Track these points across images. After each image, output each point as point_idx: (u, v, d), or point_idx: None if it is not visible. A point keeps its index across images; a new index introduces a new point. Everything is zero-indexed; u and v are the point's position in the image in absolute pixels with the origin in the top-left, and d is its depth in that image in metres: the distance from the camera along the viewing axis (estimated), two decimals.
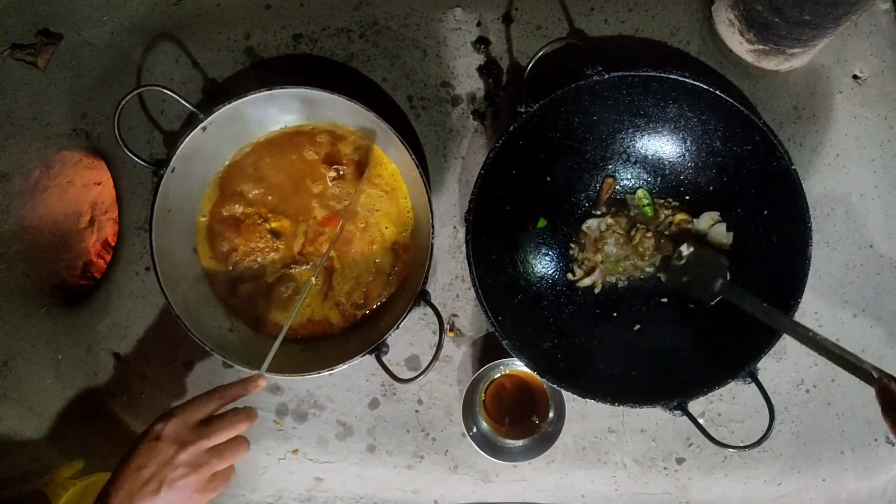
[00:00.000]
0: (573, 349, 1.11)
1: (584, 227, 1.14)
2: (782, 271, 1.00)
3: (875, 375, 0.76)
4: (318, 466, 1.21)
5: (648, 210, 1.12)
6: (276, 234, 1.16)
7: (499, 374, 1.14)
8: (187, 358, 1.20)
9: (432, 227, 1.05)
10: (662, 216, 1.12)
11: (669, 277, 1.11)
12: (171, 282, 1.07)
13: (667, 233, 1.12)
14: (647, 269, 1.14)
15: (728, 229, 1.10)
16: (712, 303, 1.05)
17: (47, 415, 1.23)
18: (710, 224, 1.11)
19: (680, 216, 1.11)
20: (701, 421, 1.10)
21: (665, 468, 1.16)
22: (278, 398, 1.20)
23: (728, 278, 1.03)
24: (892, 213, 1.14)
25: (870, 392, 1.11)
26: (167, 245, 1.09)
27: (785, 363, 1.14)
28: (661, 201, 1.14)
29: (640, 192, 1.14)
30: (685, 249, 1.09)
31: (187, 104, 1.06)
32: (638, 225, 1.12)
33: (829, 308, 1.14)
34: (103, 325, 1.21)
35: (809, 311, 1.14)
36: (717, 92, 0.99)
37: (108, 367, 1.22)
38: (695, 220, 1.12)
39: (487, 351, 1.17)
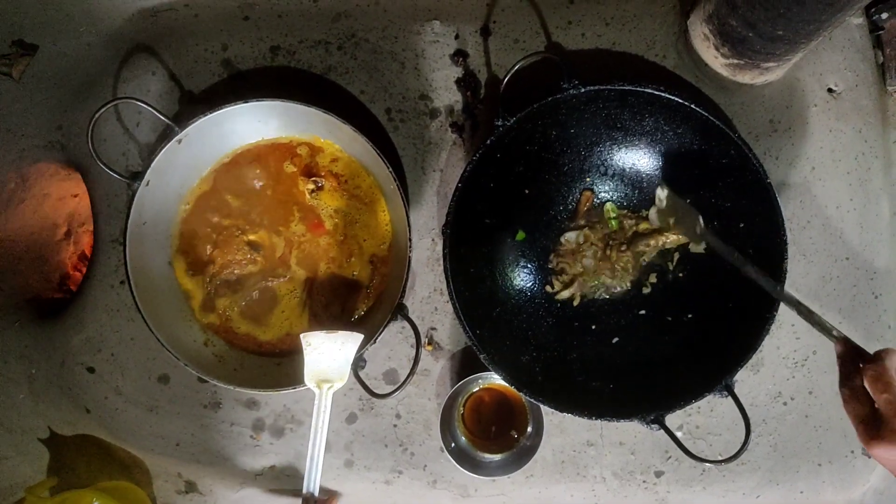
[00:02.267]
0: (551, 362, 1.10)
1: (562, 240, 1.14)
2: (759, 284, 1.00)
3: (836, 335, 0.78)
4: (296, 482, 1.19)
5: (614, 223, 1.13)
6: (254, 246, 1.15)
7: (477, 388, 1.14)
8: (162, 372, 1.19)
9: (410, 239, 1.04)
10: (626, 226, 1.13)
11: (660, 220, 1.10)
12: (146, 295, 1.06)
13: (644, 258, 1.12)
14: (622, 286, 1.14)
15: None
16: (700, 246, 1.07)
17: (19, 430, 1.22)
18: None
19: (644, 224, 1.12)
20: (679, 434, 1.11)
21: (644, 481, 1.15)
22: (255, 413, 1.19)
23: (702, 223, 1.03)
24: (867, 225, 1.14)
25: None
26: (142, 258, 1.08)
27: (762, 375, 1.14)
28: (632, 213, 1.14)
29: (608, 206, 1.14)
30: (661, 192, 1.09)
31: (163, 116, 1.05)
32: (611, 241, 1.13)
33: (804, 321, 1.14)
34: (77, 340, 1.20)
35: (786, 322, 1.14)
36: (692, 106, 0.99)
37: (82, 382, 1.20)
38: (650, 213, 1.13)
39: (466, 364, 1.17)
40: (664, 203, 1.09)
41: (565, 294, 1.14)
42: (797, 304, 0.84)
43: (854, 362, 0.73)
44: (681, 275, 1.12)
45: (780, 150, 1.14)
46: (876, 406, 0.69)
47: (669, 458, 1.15)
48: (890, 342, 1.15)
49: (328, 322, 1.13)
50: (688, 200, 1.10)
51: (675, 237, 1.11)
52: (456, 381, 1.15)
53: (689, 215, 1.05)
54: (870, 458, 1.15)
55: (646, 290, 1.14)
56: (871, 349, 1.11)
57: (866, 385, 0.70)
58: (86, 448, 1.22)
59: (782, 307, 0.97)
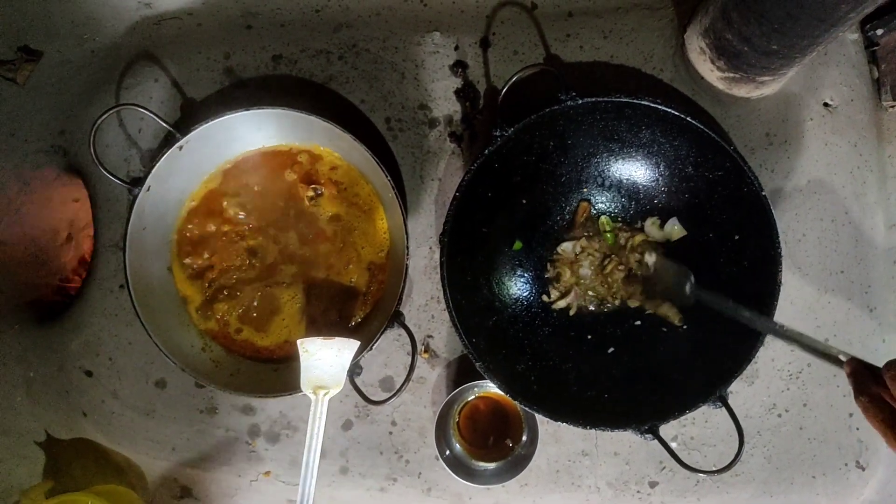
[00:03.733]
0: (547, 372, 1.11)
1: (559, 250, 1.15)
2: (753, 296, 1.01)
3: (843, 359, 0.77)
4: (291, 489, 1.20)
5: (609, 237, 1.14)
6: (252, 252, 1.16)
7: (473, 396, 1.14)
8: (159, 377, 1.20)
9: (407, 248, 1.05)
10: (623, 239, 1.13)
11: (646, 290, 1.12)
12: (145, 300, 1.07)
13: (638, 272, 1.13)
14: (615, 303, 1.15)
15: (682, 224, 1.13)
16: (691, 303, 1.06)
17: (16, 433, 1.22)
18: (656, 224, 1.14)
19: (639, 237, 1.13)
20: (674, 445, 1.11)
21: (638, 492, 1.16)
22: (250, 419, 1.19)
23: (693, 281, 1.05)
24: (862, 239, 1.15)
25: (841, 416, 1.13)
26: (141, 263, 1.09)
27: (757, 387, 1.14)
28: (628, 226, 1.15)
29: (602, 219, 1.15)
30: (649, 259, 1.11)
31: (164, 123, 1.06)
32: (612, 256, 1.14)
33: None
34: (76, 343, 1.21)
35: (797, 330, 1.14)
36: (688, 118, 1.00)
37: (80, 386, 1.21)
38: (645, 224, 1.14)
39: (462, 373, 1.17)
40: (650, 269, 1.12)
41: (562, 304, 1.14)
42: (799, 339, 0.83)
43: (865, 375, 0.74)
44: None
45: (776, 163, 1.15)
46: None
47: (664, 468, 1.15)
48: (884, 356, 1.14)
49: (325, 328, 1.14)
50: (683, 212, 1.11)
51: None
52: (451, 389, 1.15)
53: (677, 272, 1.07)
54: (864, 470, 1.15)
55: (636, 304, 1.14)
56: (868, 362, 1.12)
57: (889, 385, 0.70)
58: (82, 452, 1.23)
59: (776, 318, 0.98)
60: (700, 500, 1.15)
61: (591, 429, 0.98)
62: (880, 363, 1.12)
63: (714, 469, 0.94)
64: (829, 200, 1.15)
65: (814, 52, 0.95)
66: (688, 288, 1.05)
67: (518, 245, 1.15)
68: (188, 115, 1.20)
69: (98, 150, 1.06)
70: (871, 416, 0.70)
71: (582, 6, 1.17)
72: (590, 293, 1.14)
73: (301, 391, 0.97)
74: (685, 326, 1.10)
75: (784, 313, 1.14)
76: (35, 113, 1.23)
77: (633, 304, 1.13)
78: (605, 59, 1.17)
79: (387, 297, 1.13)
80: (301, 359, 0.98)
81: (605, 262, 1.13)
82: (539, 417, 1.10)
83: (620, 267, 1.13)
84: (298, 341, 0.99)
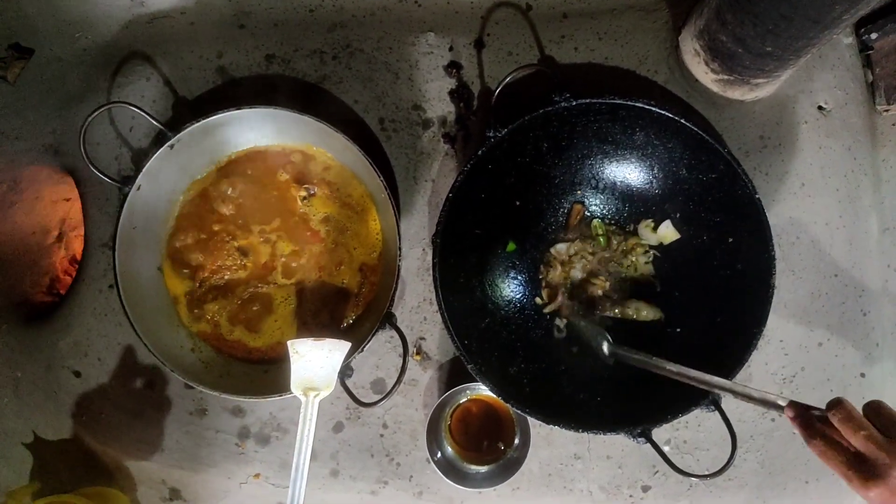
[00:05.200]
0: (539, 374, 1.10)
1: (552, 251, 1.14)
2: (747, 299, 1.01)
3: (782, 404, 0.74)
4: (281, 491, 1.18)
5: (602, 240, 1.13)
6: (243, 252, 1.15)
7: (465, 399, 1.13)
8: (149, 378, 1.19)
9: (400, 249, 1.04)
10: (616, 242, 1.13)
11: (564, 351, 1.13)
12: (134, 300, 1.06)
13: (629, 273, 1.14)
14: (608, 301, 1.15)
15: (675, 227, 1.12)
16: (610, 363, 1.05)
17: (3, 433, 1.21)
18: (650, 227, 1.13)
19: (633, 239, 1.13)
20: (666, 448, 1.10)
21: (631, 496, 1.15)
22: (240, 420, 1.18)
23: (610, 341, 1.05)
24: (856, 242, 1.15)
25: None
26: (131, 263, 1.08)
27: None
28: (620, 229, 1.15)
29: (595, 223, 1.14)
30: (560, 323, 1.13)
31: (156, 122, 1.06)
32: (607, 259, 1.13)
33: (793, 337, 1.14)
34: (64, 343, 1.19)
35: (774, 339, 1.14)
36: (682, 120, 1.00)
37: (68, 386, 1.20)
38: (639, 227, 1.14)
39: (454, 375, 1.16)
40: (563, 333, 1.13)
41: (552, 307, 1.14)
42: (733, 390, 0.81)
43: (810, 418, 0.71)
44: (670, 289, 1.12)
45: (770, 166, 1.15)
46: (854, 450, 0.67)
47: (657, 472, 1.14)
48: (878, 359, 1.15)
49: (316, 330, 1.13)
50: (677, 216, 1.11)
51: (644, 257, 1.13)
52: (443, 391, 1.14)
53: (593, 333, 1.08)
54: None
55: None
56: (859, 366, 1.13)
57: (839, 428, 0.68)
58: (70, 453, 1.21)
59: (770, 322, 0.98)
60: None
61: (583, 432, 0.98)
62: (874, 368, 1.13)
63: (707, 473, 0.93)
64: (823, 204, 1.15)
65: (808, 55, 0.94)
66: (605, 348, 1.05)
67: (511, 246, 1.15)
68: (180, 114, 1.19)
69: (89, 149, 1.06)
70: (829, 459, 0.68)
71: (577, 8, 1.17)
72: (578, 293, 1.14)
73: (291, 393, 0.96)
74: (678, 329, 1.09)
75: (777, 317, 1.13)
76: (26, 111, 1.22)
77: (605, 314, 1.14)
78: (600, 60, 1.16)
79: (379, 299, 1.13)
80: (291, 360, 0.97)
81: (589, 278, 1.13)
82: (531, 420, 1.09)
83: (599, 289, 1.13)
84: (289, 342, 0.98)
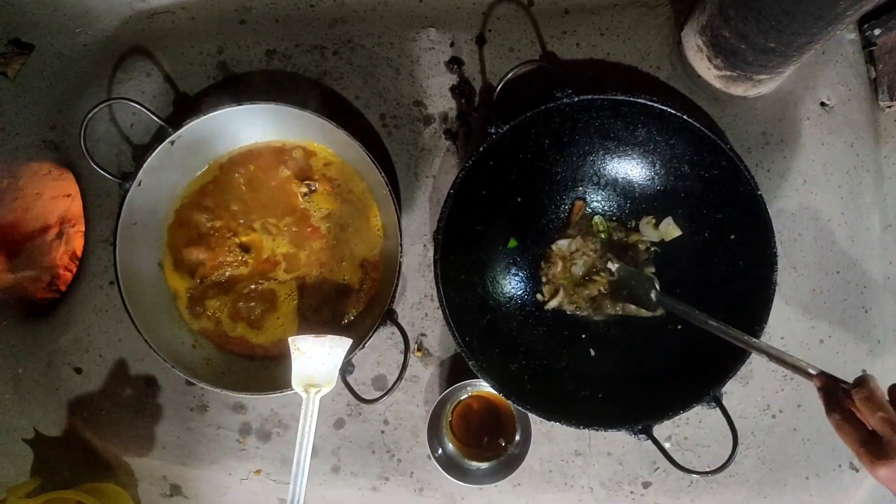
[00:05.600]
0: (540, 371, 1.10)
1: (553, 248, 1.14)
2: (748, 295, 1.01)
3: (813, 372, 0.76)
4: (282, 487, 1.19)
5: (603, 237, 1.13)
6: (245, 248, 1.15)
7: (466, 395, 1.13)
8: (149, 374, 1.19)
9: (401, 245, 1.04)
10: (617, 238, 1.13)
11: (614, 294, 1.11)
12: (135, 296, 1.06)
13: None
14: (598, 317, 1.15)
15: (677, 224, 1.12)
16: (655, 312, 1.06)
17: (4, 429, 1.21)
18: (651, 223, 1.13)
19: (634, 236, 1.12)
20: (667, 445, 1.10)
21: (631, 492, 1.15)
22: (242, 417, 1.18)
23: (658, 288, 1.04)
24: (858, 239, 1.15)
25: None
26: (132, 259, 1.08)
27: (751, 388, 1.14)
28: (622, 226, 1.14)
29: (596, 219, 1.14)
30: (612, 265, 1.10)
31: (157, 118, 1.05)
32: (599, 272, 1.13)
33: (795, 333, 1.14)
34: (65, 340, 1.19)
35: (776, 335, 1.14)
36: (684, 117, 0.99)
37: (69, 383, 1.20)
38: (640, 224, 1.14)
39: (455, 371, 1.16)
40: (615, 276, 1.11)
41: (553, 303, 1.13)
42: (769, 351, 0.82)
43: (836, 391, 0.73)
44: (671, 285, 1.12)
45: (772, 163, 1.14)
46: (870, 428, 0.68)
47: (657, 469, 1.14)
48: (880, 356, 1.15)
49: (318, 326, 1.13)
50: (679, 212, 1.10)
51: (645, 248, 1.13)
52: (444, 387, 1.14)
53: (642, 279, 1.07)
54: (858, 472, 1.14)
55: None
56: (861, 363, 1.12)
57: (859, 406, 0.69)
58: (71, 449, 1.21)
59: (772, 318, 0.98)
60: (693, 500, 1.15)
61: (584, 428, 0.98)
62: (876, 364, 1.13)
63: (708, 470, 0.93)
64: (825, 200, 1.15)
65: (811, 51, 0.94)
66: (653, 295, 1.04)
67: (513, 243, 1.15)
68: (181, 110, 1.19)
69: (89, 145, 1.06)
70: (844, 434, 0.70)
71: (579, 3, 1.17)
72: (578, 291, 1.13)
73: (292, 389, 0.96)
74: (679, 326, 1.09)
75: (779, 313, 1.13)
76: (26, 107, 1.22)
77: (607, 311, 1.14)
78: (602, 56, 1.16)
79: (380, 295, 1.13)
80: (292, 356, 0.97)
81: (590, 276, 1.13)
82: (532, 417, 1.09)
83: (600, 286, 1.13)
84: (290, 339, 0.98)
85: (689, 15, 1.10)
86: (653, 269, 1.13)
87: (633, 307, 1.11)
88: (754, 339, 0.86)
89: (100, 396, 1.19)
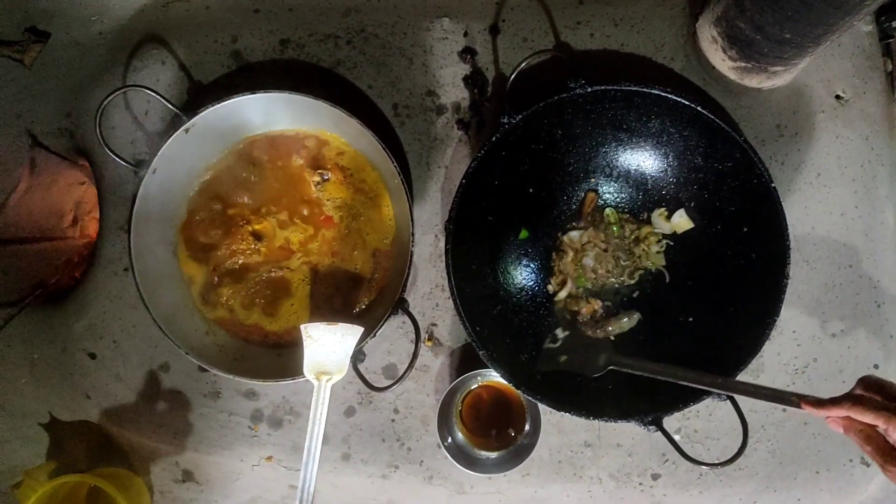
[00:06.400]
0: None
1: (564, 239, 1.14)
2: (760, 288, 1.00)
3: (794, 399, 0.77)
4: (293, 474, 1.20)
5: (615, 229, 1.13)
6: (258, 236, 1.15)
7: (476, 385, 1.14)
8: (163, 360, 1.20)
9: (412, 235, 1.05)
10: (628, 231, 1.13)
11: (543, 362, 1.09)
12: (149, 283, 1.07)
13: (643, 261, 1.13)
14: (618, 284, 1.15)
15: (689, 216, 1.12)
16: (596, 375, 1.03)
17: (20, 414, 1.22)
18: (663, 216, 1.13)
19: (646, 228, 1.12)
20: (677, 437, 1.10)
21: (640, 483, 1.15)
22: (254, 403, 1.19)
23: (612, 353, 1.04)
24: (872, 233, 1.14)
25: None
26: (146, 246, 1.09)
27: (762, 381, 1.14)
28: (634, 218, 1.14)
29: (608, 211, 1.14)
30: (560, 333, 1.11)
31: (171, 105, 1.06)
32: (617, 246, 1.13)
33: (806, 327, 1.14)
34: (80, 326, 1.21)
35: (787, 329, 1.14)
36: (698, 108, 0.99)
37: (84, 368, 1.21)
38: (652, 216, 1.14)
39: (466, 361, 1.17)
40: (558, 342, 1.11)
41: (563, 294, 1.13)
42: (745, 390, 0.84)
43: (825, 403, 0.75)
44: (683, 278, 1.12)
45: (786, 156, 1.14)
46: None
47: (667, 461, 1.15)
48: (892, 351, 1.14)
49: (329, 314, 1.14)
50: (691, 204, 1.10)
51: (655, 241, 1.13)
52: (455, 377, 1.15)
53: (595, 345, 1.08)
54: (868, 467, 1.14)
55: (638, 293, 1.14)
56: (873, 358, 1.12)
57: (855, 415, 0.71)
58: (85, 434, 1.23)
59: (784, 312, 0.97)
60: (702, 493, 1.15)
61: (594, 419, 0.98)
62: (889, 360, 1.12)
63: (717, 462, 0.93)
64: (839, 194, 1.14)
65: (827, 42, 0.93)
66: (602, 359, 1.03)
67: (524, 234, 1.15)
68: (195, 99, 1.20)
69: (104, 133, 1.06)
70: (854, 428, 0.71)
71: None
72: (584, 282, 1.13)
73: (304, 377, 0.97)
74: (691, 319, 1.09)
75: (791, 307, 1.13)
76: (42, 94, 1.23)
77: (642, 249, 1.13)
78: (616, 47, 1.15)
79: (391, 285, 1.13)
80: (304, 344, 0.98)
81: (613, 249, 1.13)
82: (542, 407, 1.09)
83: (591, 310, 1.13)
84: (302, 326, 0.99)
85: (704, 6, 1.09)
86: (664, 263, 1.13)
87: (612, 328, 1.12)
88: (729, 380, 0.88)
89: (114, 382, 1.20)
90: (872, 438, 0.69)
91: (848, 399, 0.71)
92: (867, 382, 0.73)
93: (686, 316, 1.09)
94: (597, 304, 1.13)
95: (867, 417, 0.68)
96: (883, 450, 0.68)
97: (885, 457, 0.68)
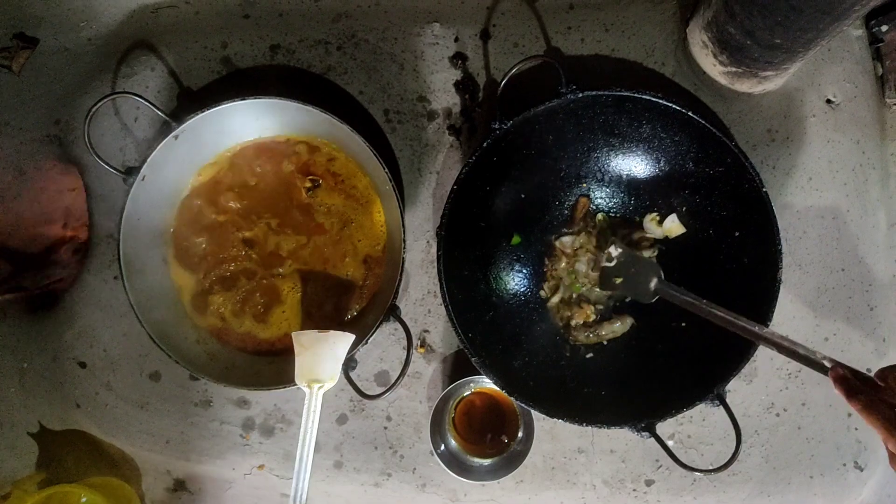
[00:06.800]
0: (543, 367, 1.10)
1: (556, 244, 1.14)
2: (753, 293, 1.00)
3: (828, 365, 0.76)
4: (285, 482, 1.19)
5: (608, 234, 1.12)
6: (249, 243, 1.15)
7: (468, 392, 1.13)
8: (153, 369, 1.19)
9: (404, 241, 1.04)
10: (620, 236, 1.12)
11: (604, 282, 1.10)
12: (139, 291, 1.06)
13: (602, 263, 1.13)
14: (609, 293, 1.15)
15: (681, 221, 1.11)
16: (651, 301, 1.03)
17: (10, 424, 1.21)
18: (655, 220, 1.12)
19: (638, 233, 1.12)
20: (671, 443, 1.10)
21: (634, 490, 1.15)
22: (245, 412, 1.18)
23: (662, 276, 1.03)
24: (864, 237, 1.14)
25: (840, 416, 1.12)
26: (136, 253, 1.08)
27: (755, 385, 1.14)
28: (626, 223, 1.14)
29: (599, 216, 1.14)
30: (614, 251, 1.08)
31: (160, 112, 1.05)
32: (583, 304, 1.14)
33: (800, 331, 1.14)
34: (70, 334, 1.20)
35: (780, 333, 1.13)
36: (689, 113, 0.99)
37: (74, 377, 1.20)
38: (644, 221, 1.13)
39: (458, 368, 1.16)
40: (613, 261, 1.09)
41: (555, 299, 1.13)
42: (780, 343, 0.82)
43: (852, 381, 0.72)
44: (675, 283, 1.12)
45: (778, 160, 1.14)
46: None
47: (660, 467, 1.14)
48: (885, 354, 1.14)
49: (321, 321, 1.13)
50: (683, 209, 1.10)
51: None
52: (447, 384, 1.14)
53: (645, 266, 1.05)
54: (862, 471, 1.14)
55: (631, 299, 1.14)
56: (866, 361, 1.12)
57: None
58: (75, 443, 1.22)
59: (776, 316, 0.97)
60: (696, 499, 1.15)
61: (587, 425, 0.98)
62: (881, 363, 1.12)
63: (711, 468, 0.93)
64: (831, 198, 1.14)
65: (817, 47, 0.93)
66: (653, 285, 1.02)
67: (516, 239, 1.14)
68: (185, 105, 1.19)
69: (93, 139, 1.06)
70: (872, 414, 0.68)
71: None
72: (577, 286, 1.13)
73: (296, 384, 0.96)
74: (683, 324, 1.09)
75: (784, 311, 1.13)
76: (30, 101, 1.23)
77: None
78: (607, 52, 1.15)
79: (383, 291, 1.12)
80: (296, 352, 0.97)
81: (580, 303, 1.13)
82: (535, 413, 1.09)
83: (582, 317, 1.13)
84: (293, 334, 0.98)
85: (695, 11, 1.09)
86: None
87: (604, 332, 1.11)
88: (766, 329, 0.85)
89: (104, 391, 1.19)
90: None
91: (859, 401, 0.70)
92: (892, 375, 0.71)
93: (678, 321, 1.09)
94: (589, 310, 1.12)
95: (872, 426, 0.67)
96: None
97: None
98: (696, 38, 1.08)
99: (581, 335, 1.11)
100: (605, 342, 1.12)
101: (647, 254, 1.12)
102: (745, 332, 0.87)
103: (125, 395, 1.19)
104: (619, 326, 1.11)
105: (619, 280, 1.08)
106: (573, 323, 1.12)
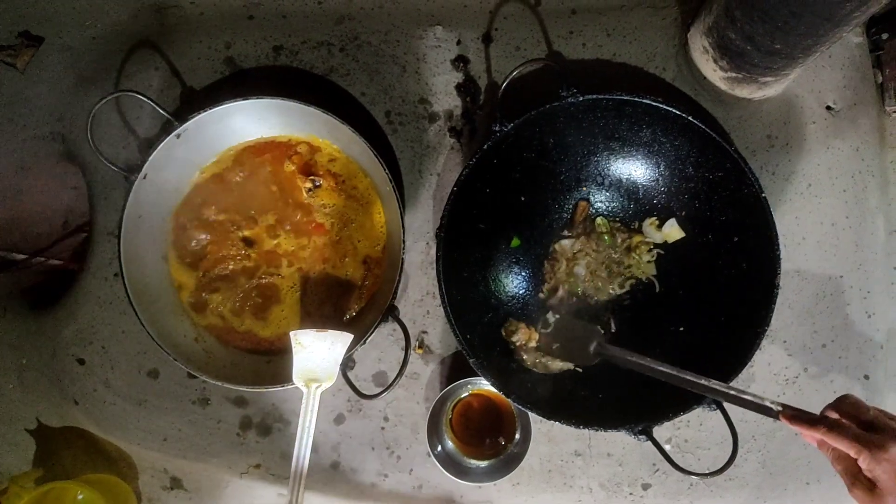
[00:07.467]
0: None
1: (556, 247, 1.14)
2: (751, 298, 1.00)
3: (777, 409, 0.77)
4: (281, 482, 1.19)
5: (607, 238, 1.13)
6: (248, 242, 1.15)
7: (466, 393, 1.13)
8: (152, 367, 1.19)
9: (404, 242, 1.04)
10: (620, 240, 1.13)
11: (540, 346, 1.10)
12: (139, 289, 1.06)
13: (633, 270, 1.13)
14: (610, 294, 1.14)
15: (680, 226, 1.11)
16: (592, 364, 1.04)
17: (7, 420, 1.22)
18: (654, 225, 1.13)
19: (637, 237, 1.12)
20: (667, 447, 1.10)
21: (631, 493, 1.15)
22: (242, 411, 1.18)
23: (602, 339, 1.04)
24: (862, 243, 1.14)
25: None
26: (136, 252, 1.08)
27: (753, 391, 1.12)
28: (625, 227, 1.14)
29: (599, 220, 1.14)
30: (551, 317, 1.11)
31: (163, 111, 1.06)
32: (611, 255, 1.13)
33: (797, 337, 1.14)
34: (69, 331, 1.20)
35: (778, 339, 1.14)
36: (689, 118, 0.99)
37: (72, 374, 1.20)
38: (643, 225, 1.13)
39: (456, 369, 1.16)
40: (549, 327, 1.11)
41: (554, 302, 1.13)
42: (726, 393, 0.83)
43: (807, 413, 0.75)
44: (673, 287, 1.12)
45: (777, 166, 1.14)
46: (868, 419, 0.71)
47: (657, 470, 1.14)
48: (882, 361, 1.14)
49: (320, 321, 1.13)
50: (682, 214, 1.10)
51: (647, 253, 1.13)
52: (445, 385, 1.14)
53: (585, 331, 1.06)
54: None
55: (629, 302, 1.14)
56: (864, 368, 1.12)
57: (848, 410, 0.72)
58: (73, 440, 1.22)
59: (774, 322, 0.98)
60: (693, 503, 1.14)
61: (584, 428, 0.98)
62: (879, 370, 1.12)
63: (708, 472, 0.93)
64: (830, 204, 1.14)
65: (817, 53, 0.94)
66: (592, 347, 1.03)
67: (516, 242, 1.15)
68: (187, 104, 1.20)
69: (96, 138, 1.06)
70: (837, 435, 0.70)
71: (585, 3, 1.17)
72: (578, 289, 1.13)
73: (293, 384, 0.97)
74: (681, 328, 1.09)
75: (782, 317, 1.13)
76: (34, 99, 1.23)
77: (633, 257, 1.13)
78: (608, 57, 1.16)
79: (382, 292, 1.13)
80: (294, 351, 0.97)
81: (606, 259, 1.13)
82: (532, 416, 1.09)
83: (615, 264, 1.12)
84: (292, 333, 0.98)
85: (696, 16, 1.10)
86: (654, 272, 1.13)
87: (549, 363, 1.11)
88: (713, 381, 0.86)
89: (102, 388, 1.20)
90: (843, 459, 0.71)
91: (824, 424, 0.72)
92: (845, 404, 0.74)
93: (677, 325, 1.09)
94: (532, 331, 1.12)
95: (841, 445, 0.69)
96: (851, 472, 0.70)
97: (852, 479, 0.69)
98: (696, 44, 1.08)
99: (530, 358, 1.11)
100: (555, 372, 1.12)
101: (645, 258, 1.12)
102: (694, 385, 0.87)
103: (123, 392, 1.20)
104: (560, 365, 1.11)
105: (555, 346, 1.09)
106: (515, 339, 1.11)
